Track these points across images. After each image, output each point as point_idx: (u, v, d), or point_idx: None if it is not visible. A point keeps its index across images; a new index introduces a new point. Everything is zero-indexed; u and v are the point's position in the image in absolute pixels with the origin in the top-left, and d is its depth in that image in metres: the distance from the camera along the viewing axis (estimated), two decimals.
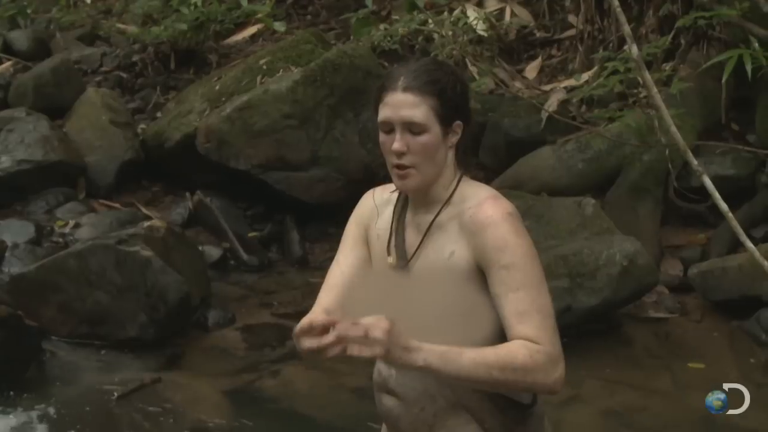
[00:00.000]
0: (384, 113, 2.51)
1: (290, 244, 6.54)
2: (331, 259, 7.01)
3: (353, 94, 6.57)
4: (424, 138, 2.48)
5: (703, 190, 4.33)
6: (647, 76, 3.85)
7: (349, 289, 2.59)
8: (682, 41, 6.81)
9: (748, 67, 5.97)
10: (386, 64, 6.90)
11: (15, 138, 6.77)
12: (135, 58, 8.10)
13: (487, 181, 6.50)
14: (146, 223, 5.75)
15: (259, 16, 7.98)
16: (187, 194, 6.81)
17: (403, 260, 2.57)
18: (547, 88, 7.14)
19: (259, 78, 6.86)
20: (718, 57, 6.29)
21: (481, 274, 2.46)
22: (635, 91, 6.41)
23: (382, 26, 7.33)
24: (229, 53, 8.10)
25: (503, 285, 2.42)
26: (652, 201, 6.29)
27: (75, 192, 6.83)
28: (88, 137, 7.00)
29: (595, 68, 6.89)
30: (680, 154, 4.41)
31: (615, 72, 6.17)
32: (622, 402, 5.00)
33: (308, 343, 2.31)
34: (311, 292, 6.10)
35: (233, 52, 8.11)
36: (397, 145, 2.48)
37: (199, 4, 7.85)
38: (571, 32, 7.51)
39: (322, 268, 6.35)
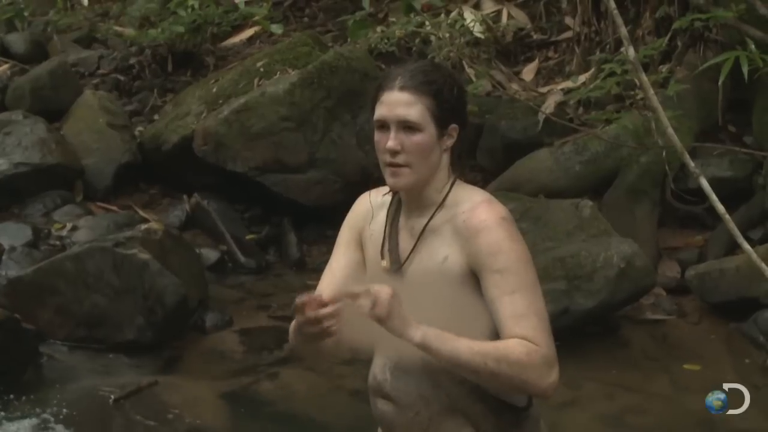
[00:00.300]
0: (380, 111, 2.51)
1: (288, 247, 6.54)
2: (328, 261, 7.03)
3: (350, 96, 6.57)
4: (418, 137, 2.49)
5: (700, 192, 4.34)
6: (644, 78, 3.85)
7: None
8: (679, 43, 6.81)
9: (745, 69, 5.97)
10: (383, 66, 6.90)
11: (12, 141, 6.76)
12: (132, 60, 8.09)
13: (485, 183, 6.51)
14: (143, 226, 5.75)
15: (256, 18, 7.97)
16: (185, 197, 6.80)
17: (397, 264, 2.57)
18: (544, 90, 7.14)
19: (256, 80, 6.86)
20: (714, 59, 6.29)
21: (474, 278, 2.46)
22: (632, 93, 6.40)
23: (379, 28, 7.34)
24: (226, 56, 8.10)
25: (498, 288, 2.42)
26: (650, 203, 6.30)
27: (72, 195, 6.82)
28: (85, 140, 7.00)
29: (592, 70, 6.89)
30: (677, 155, 4.41)
31: (612, 74, 6.17)
32: (619, 404, 5.00)
33: (309, 312, 2.32)
34: None
35: (230, 55, 8.11)
36: (391, 143, 2.48)
37: (197, 6, 7.85)
38: (568, 34, 7.51)
39: (320, 270, 6.30)
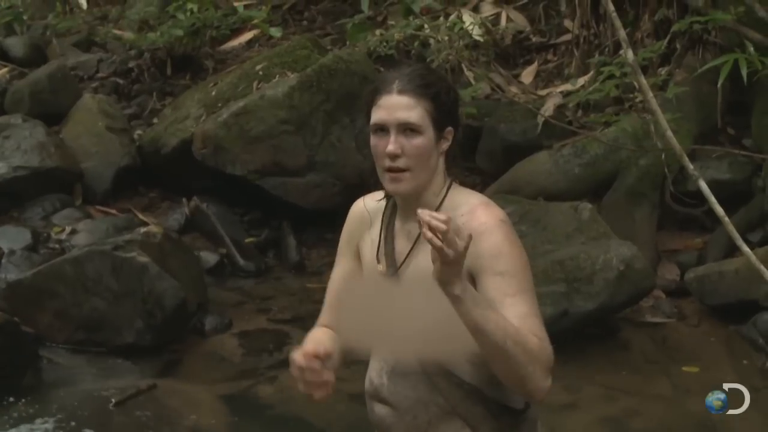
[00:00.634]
0: (378, 115, 2.50)
1: (287, 250, 6.54)
2: (327, 264, 7.03)
3: (349, 99, 6.57)
4: (418, 140, 2.48)
5: (699, 195, 4.34)
6: (643, 80, 3.85)
7: (343, 297, 2.58)
8: (678, 46, 6.82)
9: (744, 72, 5.98)
10: (382, 69, 6.90)
11: (11, 144, 6.77)
12: (131, 64, 8.10)
13: (484, 185, 6.52)
14: (143, 229, 5.75)
15: (255, 21, 7.98)
16: (184, 200, 6.80)
17: (393, 268, 2.56)
18: (543, 92, 7.15)
19: (255, 83, 6.87)
20: (713, 61, 6.30)
21: (471, 280, 2.45)
22: (631, 95, 6.41)
23: (378, 32, 7.35)
24: (225, 59, 8.11)
25: (500, 291, 2.41)
26: (649, 205, 6.30)
27: (71, 198, 6.83)
28: (84, 143, 7.00)
29: (591, 73, 6.90)
30: (676, 158, 4.42)
31: (611, 77, 6.18)
32: (619, 407, 5.00)
33: (305, 370, 2.46)
34: (308, 298, 6.15)
35: (229, 58, 8.11)
36: (391, 147, 2.47)
37: (196, 10, 7.86)
38: (567, 37, 7.52)
39: (319, 274, 6.40)
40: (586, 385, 5.10)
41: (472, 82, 7.00)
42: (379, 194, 2.64)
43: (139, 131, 7.35)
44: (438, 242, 2.19)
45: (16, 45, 8.53)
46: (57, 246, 6.27)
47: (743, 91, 6.34)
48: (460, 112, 2.62)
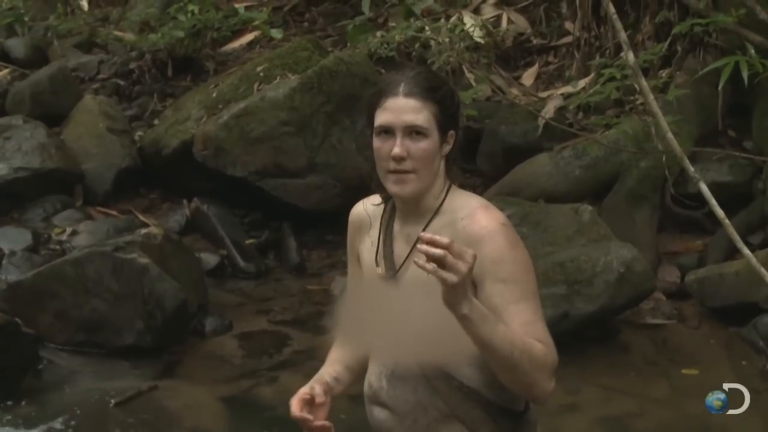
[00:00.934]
0: (384, 118, 2.49)
1: (287, 251, 6.54)
2: (327, 265, 7.02)
3: (350, 101, 6.57)
4: (424, 143, 2.48)
5: (700, 197, 4.33)
6: (644, 83, 3.85)
7: (344, 300, 2.59)
8: (679, 48, 6.82)
9: (745, 74, 5.97)
10: (383, 71, 6.90)
11: (12, 145, 6.77)
12: (132, 65, 8.10)
13: (485, 187, 6.51)
14: (143, 231, 5.75)
15: (256, 23, 7.98)
16: (184, 201, 6.81)
17: (392, 271, 2.56)
18: (543, 95, 7.15)
19: (256, 85, 6.87)
20: (714, 64, 6.29)
21: (473, 286, 2.45)
22: (632, 98, 6.41)
23: (378, 33, 7.35)
24: (226, 60, 8.11)
25: (502, 298, 2.41)
26: (649, 208, 6.30)
27: (72, 199, 6.83)
28: (85, 145, 7.01)
29: (592, 75, 6.90)
30: (677, 160, 4.41)
31: (612, 79, 6.18)
32: (619, 409, 5.00)
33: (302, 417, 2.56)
34: (308, 299, 6.15)
35: (230, 60, 8.12)
36: (398, 150, 2.47)
37: (196, 11, 7.86)
38: (568, 39, 7.52)
39: (319, 275, 6.41)
40: (586, 386, 5.10)
41: (473, 84, 7.00)
42: (376, 198, 2.64)
43: (139, 132, 7.35)
44: (430, 268, 2.20)
45: (17, 46, 8.54)
46: (58, 247, 6.27)
47: (744, 94, 6.34)
48: (461, 114, 2.63)
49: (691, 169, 3.90)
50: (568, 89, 6.97)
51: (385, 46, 7.11)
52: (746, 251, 3.68)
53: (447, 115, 2.50)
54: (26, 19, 8.89)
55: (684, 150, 4.05)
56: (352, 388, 2.76)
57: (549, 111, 6.66)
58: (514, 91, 7.24)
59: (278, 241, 6.63)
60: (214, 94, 6.99)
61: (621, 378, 5.24)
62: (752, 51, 6.07)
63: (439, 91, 2.50)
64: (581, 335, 5.37)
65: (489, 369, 2.42)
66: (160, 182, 7.08)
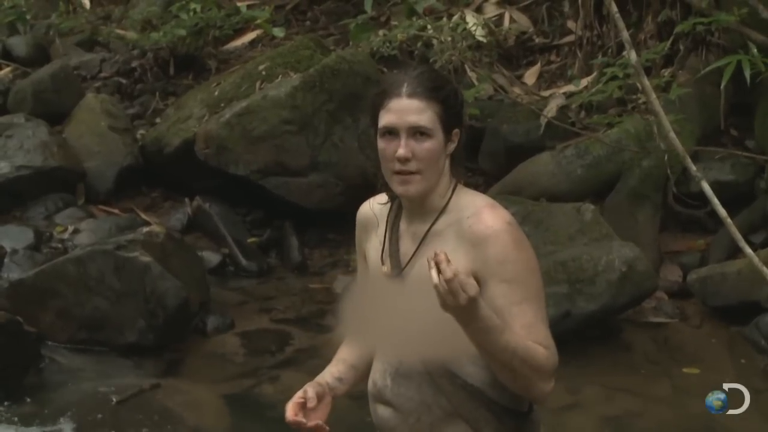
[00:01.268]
0: (388, 119, 2.49)
1: (289, 250, 6.54)
2: (329, 264, 7.02)
3: (352, 99, 6.57)
4: (428, 144, 2.48)
5: (702, 196, 4.34)
6: (646, 81, 3.85)
7: (349, 298, 2.60)
8: (681, 47, 6.81)
9: (747, 73, 5.97)
10: (385, 69, 6.90)
11: (14, 144, 6.77)
12: (134, 63, 8.10)
13: (487, 186, 6.51)
14: (145, 229, 5.76)
15: (258, 21, 7.98)
16: (186, 200, 6.81)
17: (398, 269, 2.56)
18: (546, 93, 7.14)
19: (258, 84, 6.87)
20: (716, 63, 6.29)
21: (477, 283, 2.45)
22: (634, 96, 6.41)
23: (381, 32, 7.34)
24: (228, 59, 8.11)
25: (506, 298, 2.42)
26: (651, 207, 6.29)
27: (74, 198, 6.83)
28: (87, 143, 7.01)
29: (594, 74, 6.89)
30: (679, 159, 4.41)
31: (614, 78, 6.18)
32: (620, 408, 5.00)
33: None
34: (310, 298, 6.15)
35: (232, 58, 8.11)
36: (402, 151, 2.46)
37: (198, 9, 7.86)
38: (570, 38, 7.51)
39: (321, 274, 6.41)
40: (587, 385, 5.10)
41: (475, 82, 6.99)
42: (382, 197, 2.64)
43: (141, 131, 7.35)
44: (435, 281, 2.24)
45: (19, 44, 8.54)
46: (59, 245, 6.27)
47: (746, 93, 6.33)
48: (465, 113, 2.63)
49: (693, 168, 3.89)
50: (570, 88, 6.97)
51: (388, 44, 7.10)
52: (748, 250, 3.67)
53: (451, 114, 2.50)
54: (28, 17, 8.88)
55: (686, 149, 4.04)
56: (354, 387, 2.76)
57: (551, 110, 6.66)
58: (517, 90, 7.24)
59: (280, 239, 6.63)
60: (216, 93, 6.99)
61: (623, 377, 5.24)
62: (754, 50, 6.06)
63: (442, 91, 2.49)
64: (583, 334, 5.37)
65: None
66: (161, 181, 7.08)
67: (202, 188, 6.77)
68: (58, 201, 6.72)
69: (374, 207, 2.69)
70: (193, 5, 7.87)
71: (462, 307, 2.27)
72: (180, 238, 6.00)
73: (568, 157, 6.45)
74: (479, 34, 7.17)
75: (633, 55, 3.89)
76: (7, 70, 8.23)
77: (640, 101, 6.34)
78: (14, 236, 6.22)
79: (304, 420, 2.56)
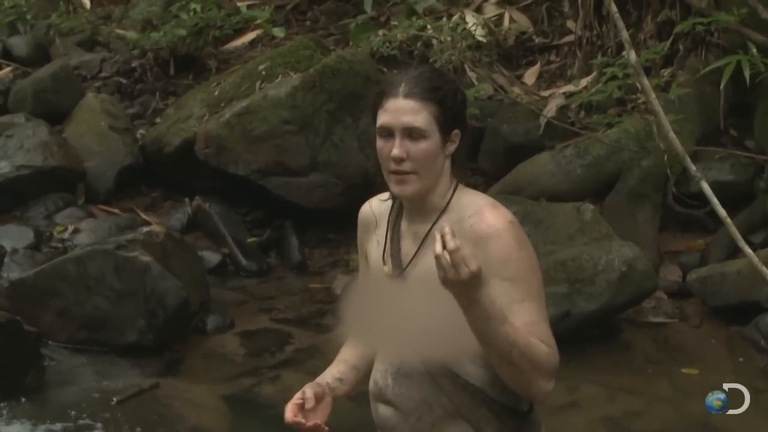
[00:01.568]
0: (384, 119, 2.50)
1: (289, 250, 6.54)
2: (329, 264, 7.01)
3: (352, 99, 6.57)
4: (423, 144, 2.48)
5: (701, 196, 4.34)
6: (645, 81, 3.85)
7: (350, 298, 2.60)
8: (681, 47, 6.81)
9: (747, 73, 5.98)
10: (385, 69, 6.91)
11: (14, 143, 6.77)
12: (134, 63, 8.10)
13: (486, 186, 6.51)
14: (145, 229, 5.76)
15: (258, 21, 7.98)
16: (186, 200, 6.81)
17: (399, 269, 2.56)
18: (545, 93, 7.14)
19: (258, 83, 6.87)
20: (716, 63, 6.30)
21: None
22: (634, 96, 6.41)
23: (380, 32, 7.34)
24: (228, 59, 8.11)
25: (507, 297, 2.42)
26: (651, 206, 6.30)
27: (74, 197, 6.83)
28: (87, 143, 7.01)
29: (594, 74, 6.90)
30: (679, 159, 4.41)
31: (613, 78, 6.18)
32: (620, 407, 5.00)
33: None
34: (310, 298, 6.15)
35: (232, 58, 8.11)
36: (396, 152, 2.47)
37: (199, 9, 7.86)
38: (570, 38, 7.51)
39: (321, 274, 6.41)
40: (587, 385, 5.11)
41: (475, 82, 6.99)
42: (385, 195, 2.64)
43: (141, 131, 7.35)
44: (438, 250, 2.25)
45: (19, 44, 8.54)
46: (59, 245, 6.28)
47: (746, 93, 6.33)
48: (467, 113, 2.62)
49: (693, 168, 3.89)
50: (569, 88, 6.97)
51: (387, 44, 7.10)
52: (748, 250, 3.68)
53: (449, 114, 2.49)
54: (28, 17, 8.88)
55: (686, 149, 4.04)
56: (358, 388, 2.76)
57: (551, 110, 6.66)
58: (516, 89, 7.24)
59: (280, 239, 6.63)
60: (216, 93, 7.00)
61: (622, 376, 5.24)
62: (754, 50, 6.07)
63: (439, 91, 2.49)
64: (583, 334, 5.37)
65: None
66: (162, 180, 7.08)
67: (202, 188, 6.78)
68: (58, 201, 6.72)
69: (376, 206, 2.69)
70: (193, 5, 7.87)
71: (463, 282, 2.27)
72: (180, 238, 6.00)
73: (567, 156, 6.45)
74: (479, 34, 7.18)
75: (632, 55, 3.89)
76: (7, 69, 8.23)
77: (640, 101, 6.34)
78: (14, 236, 6.22)
79: (303, 420, 2.57)
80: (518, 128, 6.74)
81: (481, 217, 2.48)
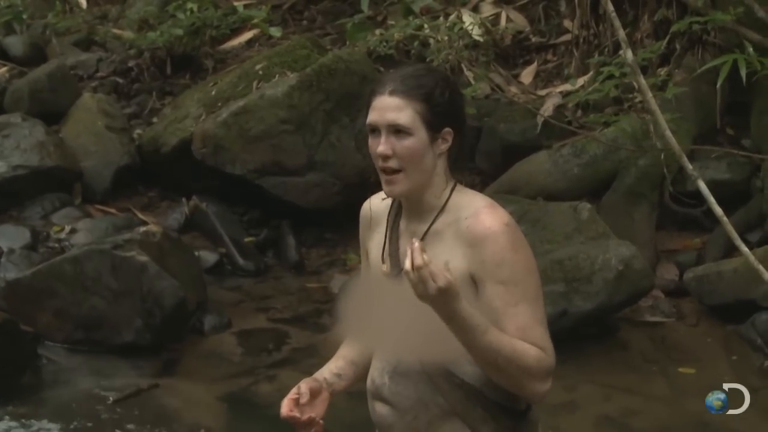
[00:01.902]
0: (371, 116, 2.52)
1: (286, 249, 6.54)
2: (326, 263, 7.01)
3: (349, 99, 6.57)
4: (408, 142, 2.49)
5: (698, 195, 4.34)
6: (642, 80, 3.85)
7: (348, 296, 2.60)
8: (677, 46, 6.82)
9: (743, 72, 5.98)
10: (382, 69, 6.90)
11: (11, 143, 6.77)
12: (131, 63, 8.10)
13: (483, 185, 6.52)
14: (142, 228, 5.76)
15: (255, 21, 7.98)
16: (183, 199, 6.80)
17: (397, 268, 2.57)
18: (542, 92, 7.15)
19: (255, 83, 6.87)
20: (712, 62, 6.30)
21: (473, 284, 2.46)
22: (630, 95, 6.41)
23: (377, 31, 7.34)
24: (225, 58, 8.10)
25: (502, 300, 2.43)
26: (648, 205, 6.30)
27: (71, 197, 6.82)
28: (83, 142, 7.00)
29: (591, 73, 6.90)
30: (675, 158, 4.42)
31: (610, 77, 6.18)
32: (617, 407, 5.01)
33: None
34: (307, 297, 6.15)
35: (229, 58, 8.11)
36: (381, 148, 2.49)
37: (195, 9, 7.85)
38: (567, 37, 7.52)
39: (318, 273, 6.41)
40: (584, 384, 5.11)
41: (472, 82, 6.99)
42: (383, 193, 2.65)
43: (138, 131, 7.34)
44: (408, 267, 2.29)
45: (15, 44, 8.52)
46: (56, 245, 6.28)
47: (742, 92, 6.34)
48: (462, 112, 2.61)
49: (690, 166, 3.89)
50: (566, 87, 6.97)
51: (384, 44, 7.10)
52: (744, 249, 3.68)
53: (436, 112, 2.49)
54: (25, 16, 8.87)
55: (682, 148, 4.05)
56: (357, 383, 2.77)
57: (548, 109, 6.67)
58: (513, 89, 7.24)
59: (277, 239, 6.63)
60: (213, 92, 6.99)
61: (619, 375, 5.25)
62: (750, 49, 6.07)
63: (424, 89, 2.48)
64: (580, 333, 5.38)
65: None
66: (158, 180, 7.08)
67: (199, 188, 6.77)
68: (54, 200, 6.72)
69: (376, 205, 2.70)
70: (190, 5, 7.87)
71: (432, 297, 2.30)
72: (177, 238, 6.00)
73: (564, 156, 6.46)
74: (476, 33, 7.18)
75: (629, 54, 3.89)
76: (3, 69, 8.22)
77: (637, 100, 6.34)
78: (11, 236, 6.22)
79: (297, 415, 2.57)
80: (515, 127, 6.74)
81: (477, 218, 2.48)
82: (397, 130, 2.48)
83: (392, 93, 2.48)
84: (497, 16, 7.70)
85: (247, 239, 6.65)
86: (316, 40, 7.44)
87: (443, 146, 2.53)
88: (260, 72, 6.94)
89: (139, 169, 7.02)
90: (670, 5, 6.83)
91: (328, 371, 2.73)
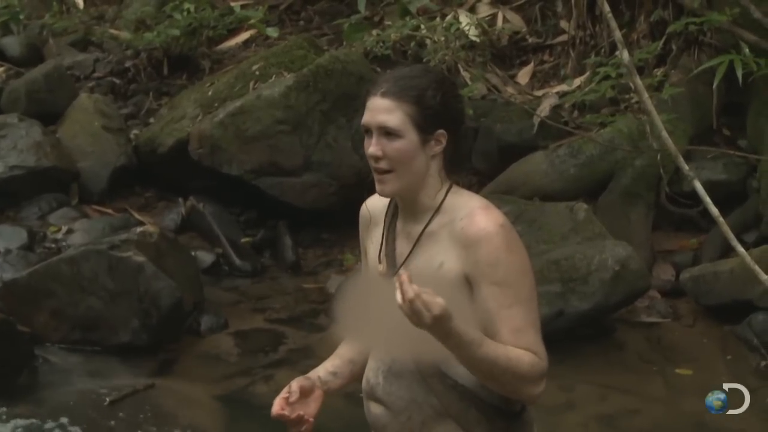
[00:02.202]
0: (364, 118, 2.54)
1: (283, 250, 6.54)
2: (323, 264, 7.02)
3: (346, 99, 6.58)
4: (398, 143, 2.49)
5: (694, 195, 4.35)
6: (638, 81, 3.86)
7: (345, 296, 2.61)
8: (674, 47, 6.82)
9: (739, 73, 5.99)
10: (379, 69, 6.91)
11: (7, 144, 6.76)
12: (128, 63, 8.10)
13: (480, 185, 6.52)
14: (139, 229, 5.75)
15: (252, 21, 7.98)
16: (180, 200, 6.81)
17: (393, 269, 2.57)
18: (539, 93, 7.15)
19: (251, 83, 6.87)
20: (709, 62, 6.31)
21: (468, 285, 2.46)
22: (627, 96, 6.42)
23: (374, 32, 7.34)
24: (221, 59, 8.10)
25: (495, 301, 2.43)
26: (644, 206, 6.31)
27: (68, 198, 6.82)
28: (80, 143, 7.00)
29: (587, 74, 6.91)
30: (672, 159, 4.41)
31: (607, 77, 6.19)
32: (614, 407, 5.01)
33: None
34: (304, 298, 6.15)
35: (226, 58, 8.11)
36: (372, 149, 2.50)
37: (192, 9, 7.85)
38: (563, 38, 7.52)
39: (315, 273, 6.41)
40: (581, 384, 5.11)
41: (469, 82, 7.00)
42: None
43: (135, 131, 7.35)
44: (399, 301, 2.29)
45: (12, 44, 8.52)
46: (53, 245, 6.27)
47: (738, 92, 6.35)
48: (458, 114, 2.61)
49: (686, 167, 3.89)
50: (563, 88, 6.98)
51: (381, 44, 7.10)
52: (740, 249, 3.68)
53: (427, 114, 2.49)
54: (21, 17, 8.86)
55: (679, 148, 4.06)
56: (350, 386, 2.77)
57: (544, 109, 6.67)
58: (510, 89, 7.25)
59: (274, 239, 6.63)
60: (210, 93, 7.00)
61: (616, 376, 5.25)
62: (746, 50, 6.08)
63: (416, 90, 2.48)
64: (576, 333, 5.38)
65: None
66: (155, 181, 7.08)
67: (196, 188, 6.78)
68: (51, 201, 6.72)
69: (375, 205, 2.71)
70: (186, 5, 7.87)
71: (428, 325, 2.30)
72: (174, 238, 6.00)
73: (561, 156, 6.46)
74: (472, 33, 7.18)
75: (625, 55, 3.89)
76: (0, 70, 8.21)
77: (633, 101, 6.35)
78: (8, 236, 6.22)
79: (285, 412, 2.58)
80: (512, 128, 6.75)
81: (471, 219, 2.48)
82: (387, 132, 2.49)
83: (384, 95, 2.49)
84: (494, 16, 7.71)
85: (244, 240, 6.65)
86: (313, 41, 7.44)
87: (437, 148, 2.53)
88: (257, 72, 6.94)
89: (136, 169, 7.02)
90: (666, 6, 6.84)
91: (323, 370, 2.74)
